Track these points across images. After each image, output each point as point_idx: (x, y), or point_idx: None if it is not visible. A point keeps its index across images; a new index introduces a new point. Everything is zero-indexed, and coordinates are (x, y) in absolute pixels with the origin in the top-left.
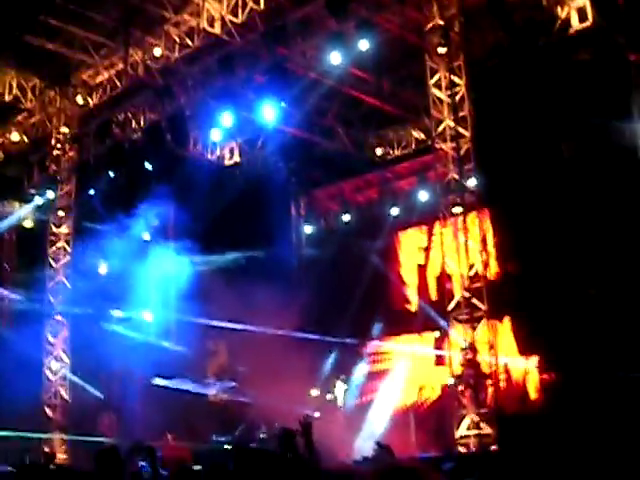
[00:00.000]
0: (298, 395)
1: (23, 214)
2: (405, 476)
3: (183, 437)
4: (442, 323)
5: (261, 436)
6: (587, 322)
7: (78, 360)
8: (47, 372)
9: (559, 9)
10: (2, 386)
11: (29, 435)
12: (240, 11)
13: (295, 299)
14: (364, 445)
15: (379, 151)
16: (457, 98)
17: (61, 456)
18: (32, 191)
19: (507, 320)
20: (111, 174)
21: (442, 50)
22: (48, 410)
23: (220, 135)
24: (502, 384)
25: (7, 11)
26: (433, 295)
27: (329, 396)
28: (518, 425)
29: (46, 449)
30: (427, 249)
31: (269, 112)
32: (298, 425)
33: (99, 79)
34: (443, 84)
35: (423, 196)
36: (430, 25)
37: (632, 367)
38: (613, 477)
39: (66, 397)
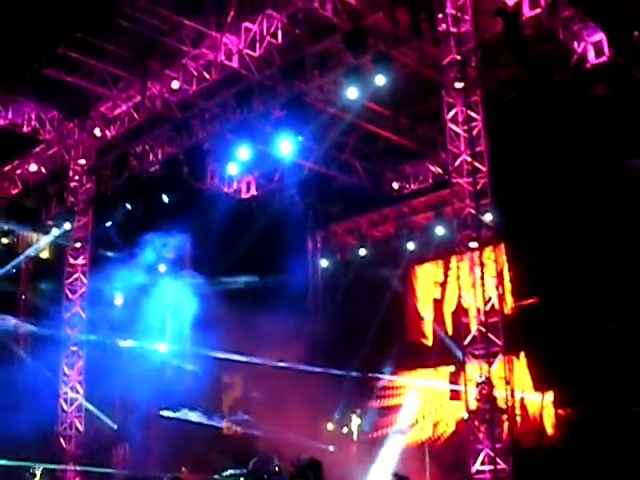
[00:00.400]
0: (312, 428)
1: (41, 245)
2: None
3: (197, 470)
4: (458, 354)
5: (275, 469)
6: (604, 357)
7: (93, 391)
8: (62, 403)
9: (575, 44)
10: (17, 416)
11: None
12: (258, 45)
13: (311, 333)
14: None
15: (396, 185)
16: (474, 133)
17: None
18: (50, 222)
19: (523, 355)
20: (128, 206)
21: (459, 85)
22: (62, 441)
23: (237, 169)
24: (518, 419)
25: (27, 44)
26: (449, 329)
27: (344, 430)
28: (534, 460)
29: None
30: (443, 283)
31: (286, 146)
32: (292, 467)
33: (117, 112)
34: (460, 119)
35: (439, 231)
36: (447, 60)
37: None
38: None
39: (81, 428)
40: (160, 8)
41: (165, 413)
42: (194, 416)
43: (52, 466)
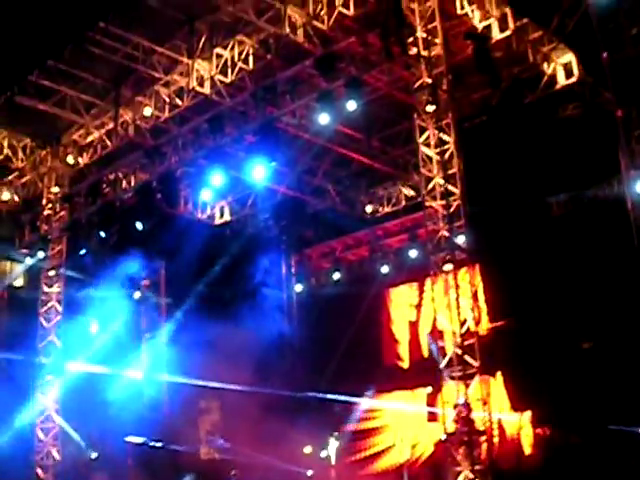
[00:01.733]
0: (290, 452)
1: (15, 274)
2: None
3: None
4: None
5: None
6: (580, 376)
7: (71, 420)
8: (39, 432)
9: (545, 65)
10: None
11: None
12: (229, 71)
13: (289, 358)
14: None
15: (369, 209)
16: (446, 156)
17: None
18: (24, 251)
19: (499, 375)
20: (102, 234)
21: (430, 108)
22: (40, 471)
23: (211, 195)
24: (496, 440)
25: None
26: (425, 352)
27: (323, 453)
28: None
29: None
30: (418, 306)
31: (259, 171)
32: None
33: (90, 139)
34: (432, 142)
35: (413, 253)
36: (418, 83)
37: (624, 421)
38: None
39: (58, 458)
40: (131, 35)
41: (138, 440)
42: (170, 443)
43: None
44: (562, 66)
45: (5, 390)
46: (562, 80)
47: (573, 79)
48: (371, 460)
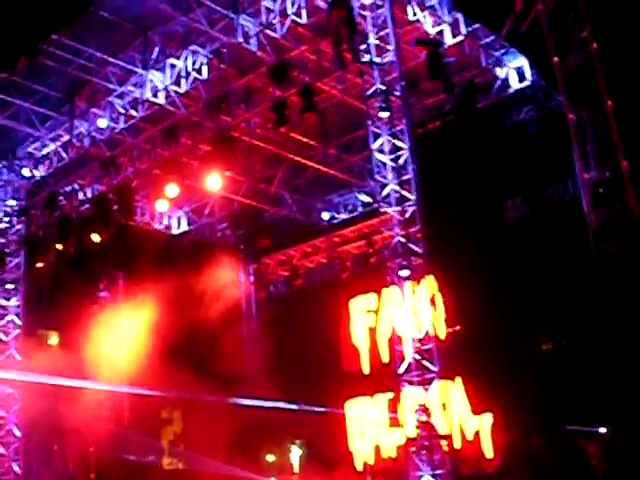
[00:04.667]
0: (253, 460)
1: None
2: None
3: None
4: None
5: None
6: (539, 377)
7: (32, 434)
8: None
9: (498, 70)
10: None
11: None
12: (183, 81)
13: (248, 366)
14: None
15: (326, 216)
16: (401, 162)
17: None
18: None
19: (459, 379)
20: (59, 246)
21: (384, 114)
22: None
23: (167, 205)
24: (457, 444)
25: None
26: (384, 357)
27: (285, 461)
28: None
29: None
30: (377, 312)
31: (214, 181)
32: None
33: (45, 151)
34: (386, 148)
35: (371, 259)
36: (372, 90)
37: (584, 421)
38: None
39: (19, 472)
40: (85, 47)
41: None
42: (134, 455)
43: None
44: (515, 70)
45: None
46: (515, 84)
47: (526, 82)
48: (334, 466)
